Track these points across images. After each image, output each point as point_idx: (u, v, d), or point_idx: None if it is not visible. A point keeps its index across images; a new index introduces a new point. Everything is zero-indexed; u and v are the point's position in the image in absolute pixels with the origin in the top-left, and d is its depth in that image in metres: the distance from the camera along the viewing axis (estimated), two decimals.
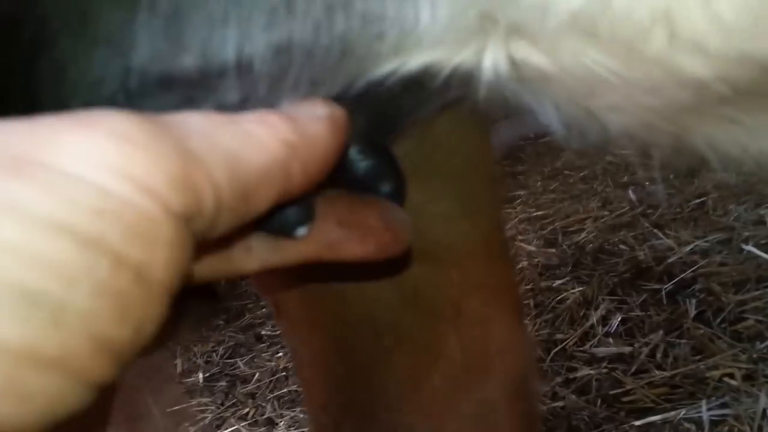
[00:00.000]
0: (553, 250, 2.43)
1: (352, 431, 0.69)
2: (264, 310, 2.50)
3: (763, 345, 1.69)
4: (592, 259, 2.29)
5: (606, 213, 2.56)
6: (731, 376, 1.63)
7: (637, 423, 1.60)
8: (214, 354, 2.40)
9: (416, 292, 0.62)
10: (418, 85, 0.38)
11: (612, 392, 1.72)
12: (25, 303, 0.20)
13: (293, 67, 0.35)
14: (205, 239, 0.27)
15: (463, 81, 0.37)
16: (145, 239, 0.22)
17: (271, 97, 0.36)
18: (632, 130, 0.38)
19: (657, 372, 1.73)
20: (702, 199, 2.39)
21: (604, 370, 1.80)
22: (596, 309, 2.02)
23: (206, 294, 0.40)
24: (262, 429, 1.94)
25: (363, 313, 0.63)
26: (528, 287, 2.25)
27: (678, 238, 2.22)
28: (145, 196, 0.23)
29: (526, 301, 2.17)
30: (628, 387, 1.71)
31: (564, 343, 1.93)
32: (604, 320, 1.97)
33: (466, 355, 0.66)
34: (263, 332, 2.41)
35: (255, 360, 2.29)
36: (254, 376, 2.20)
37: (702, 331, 1.80)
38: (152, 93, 0.36)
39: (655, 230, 2.32)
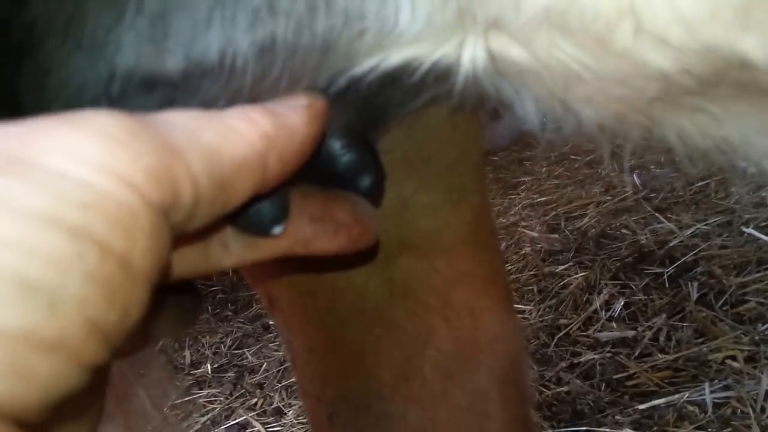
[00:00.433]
0: (556, 236, 2.43)
1: (347, 421, 0.69)
2: (261, 298, 2.47)
3: (764, 327, 1.69)
4: (595, 244, 2.29)
5: (608, 198, 2.56)
6: (733, 358, 1.63)
7: (641, 406, 1.60)
8: (222, 345, 2.40)
9: (405, 282, 0.62)
10: (400, 81, 0.38)
11: (616, 376, 1.72)
12: (25, 292, 0.21)
13: (276, 66, 0.36)
14: (184, 231, 0.28)
15: (443, 75, 0.38)
16: (126, 229, 0.24)
17: (254, 96, 0.36)
18: (605, 122, 0.38)
19: (660, 355, 1.73)
20: (704, 182, 2.39)
21: (608, 355, 1.80)
22: (599, 294, 2.02)
23: (187, 291, 0.41)
24: (271, 419, 1.94)
25: (353, 305, 0.63)
26: (531, 273, 2.25)
27: (679, 222, 2.22)
28: (126, 189, 0.24)
29: (530, 287, 2.17)
30: (631, 371, 1.72)
31: (568, 328, 1.93)
32: (607, 305, 1.97)
33: (455, 345, 0.66)
34: (271, 322, 2.41)
35: (263, 350, 2.29)
36: (262, 366, 2.20)
37: (704, 314, 1.80)
38: (134, 96, 0.37)
39: (657, 214, 2.31)
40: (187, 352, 2.39)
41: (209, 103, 0.36)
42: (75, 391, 0.23)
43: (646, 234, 2.23)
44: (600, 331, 1.89)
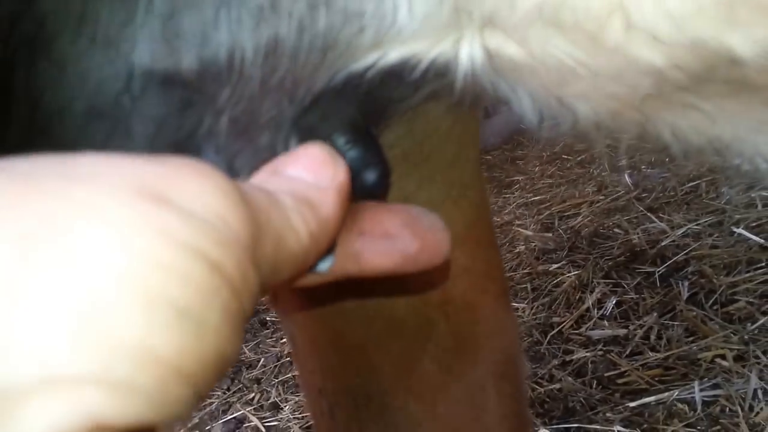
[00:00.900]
0: (550, 235, 2.45)
1: (348, 414, 0.70)
2: (268, 296, 2.45)
3: (754, 326, 1.70)
4: (588, 243, 2.30)
5: (601, 197, 2.57)
6: (723, 357, 1.65)
7: (632, 404, 1.61)
8: None
9: (405, 277, 0.62)
10: (400, 78, 0.39)
11: (607, 374, 1.74)
12: (180, 318, 0.21)
13: (281, 67, 0.37)
14: None
15: (442, 72, 0.39)
16: (245, 274, 0.25)
17: (261, 95, 0.37)
18: (600, 118, 0.39)
19: (651, 354, 1.74)
20: (695, 183, 2.40)
21: (600, 353, 1.81)
22: (592, 292, 2.03)
23: None
24: (268, 413, 1.95)
25: (354, 300, 0.64)
26: (525, 271, 2.26)
27: (671, 222, 2.23)
28: (239, 240, 0.25)
29: (524, 285, 2.18)
30: (622, 369, 1.73)
31: (560, 326, 1.95)
32: (600, 303, 1.99)
33: (454, 339, 0.67)
34: (268, 318, 2.41)
35: (260, 346, 2.29)
36: (259, 361, 2.21)
37: (694, 313, 1.81)
38: (155, 95, 0.38)
39: (649, 214, 2.33)
40: None
41: (221, 108, 0.37)
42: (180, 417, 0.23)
43: (638, 233, 2.24)
44: (592, 329, 1.90)
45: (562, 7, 0.33)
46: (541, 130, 0.42)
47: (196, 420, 1.96)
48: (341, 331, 0.67)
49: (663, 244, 2.13)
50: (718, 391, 1.57)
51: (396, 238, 0.38)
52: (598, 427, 1.59)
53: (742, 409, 1.49)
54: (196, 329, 0.22)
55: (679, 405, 1.57)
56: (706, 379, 1.61)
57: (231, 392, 2.09)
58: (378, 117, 0.46)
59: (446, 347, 0.67)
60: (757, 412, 1.48)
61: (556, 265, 2.24)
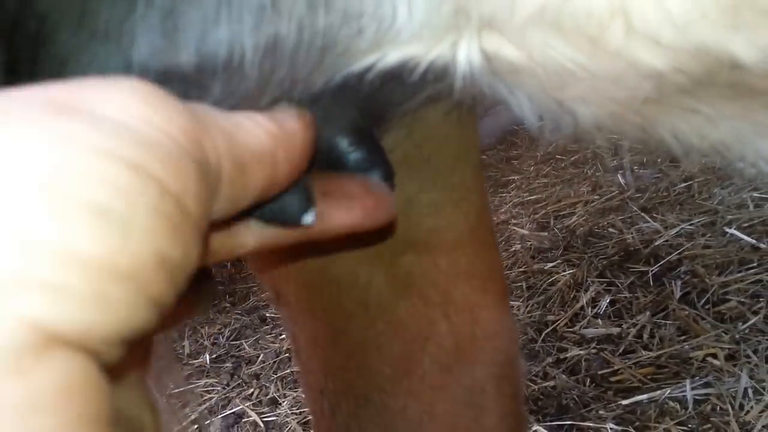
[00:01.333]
0: (545, 234, 2.46)
1: (348, 413, 0.70)
2: (269, 293, 2.41)
3: (745, 326, 1.71)
4: (582, 243, 2.31)
5: (596, 197, 2.58)
6: (714, 356, 1.66)
7: (625, 402, 1.62)
8: (221, 336, 2.41)
9: (407, 279, 0.63)
10: (400, 79, 0.39)
11: (600, 372, 1.75)
12: (99, 218, 0.21)
13: (281, 68, 0.37)
14: (209, 218, 0.29)
15: (441, 75, 0.39)
16: (178, 172, 0.24)
17: (259, 94, 0.38)
18: (600, 121, 0.39)
19: (644, 352, 1.75)
20: (688, 183, 2.40)
21: (593, 351, 1.82)
22: (586, 291, 2.04)
23: (203, 277, 0.41)
24: (266, 409, 1.96)
25: (356, 300, 0.64)
26: (521, 270, 2.27)
27: (664, 222, 2.24)
28: (170, 139, 0.25)
29: (519, 284, 2.19)
30: (616, 367, 1.74)
31: (555, 324, 1.96)
32: (594, 302, 2.00)
33: (455, 340, 0.68)
34: (267, 314, 2.42)
35: (260, 342, 2.30)
36: (259, 357, 2.21)
37: (687, 313, 1.82)
38: None
39: (643, 214, 2.34)
40: (186, 342, 2.39)
41: (217, 104, 0.37)
42: (143, 331, 0.23)
43: (632, 233, 2.25)
44: (586, 328, 1.91)
45: (562, 11, 0.33)
46: (541, 132, 0.42)
47: (195, 414, 1.97)
48: (343, 332, 0.67)
49: (656, 243, 2.14)
50: (709, 390, 1.58)
51: (355, 198, 0.41)
52: (591, 424, 1.60)
53: (733, 408, 1.51)
54: (119, 228, 0.22)
55: (671, 403, 1.58)
56: (697, 377, 1.62)
57: (230, 387, 2.10)
58: (378, 120, 0.47)
59: (446, 348, 0.68)
60: (748, 411, 1.49)
61: (551, 264, 2.25)
